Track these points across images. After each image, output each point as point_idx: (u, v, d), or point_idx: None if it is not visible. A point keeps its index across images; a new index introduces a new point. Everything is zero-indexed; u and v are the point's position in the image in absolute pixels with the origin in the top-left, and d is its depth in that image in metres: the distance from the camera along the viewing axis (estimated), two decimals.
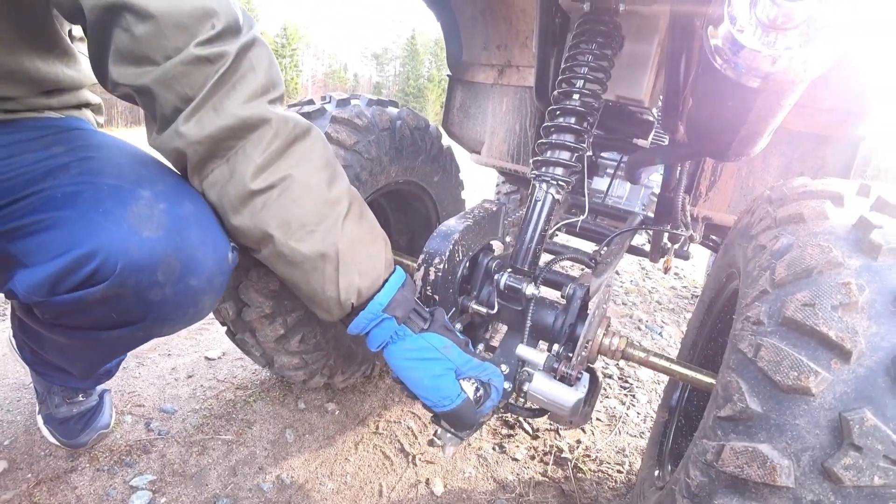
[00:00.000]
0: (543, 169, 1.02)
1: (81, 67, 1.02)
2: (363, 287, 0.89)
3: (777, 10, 0.75)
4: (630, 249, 1.91)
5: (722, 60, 0.82)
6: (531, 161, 1.06)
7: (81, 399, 1.29)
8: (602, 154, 1.90)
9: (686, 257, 1.84)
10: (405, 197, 1.57)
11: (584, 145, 1.03)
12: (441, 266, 1.03)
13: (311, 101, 1.38)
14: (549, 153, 1.02)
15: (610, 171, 1.91)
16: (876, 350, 0.59)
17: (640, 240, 3.15)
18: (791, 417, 0.60)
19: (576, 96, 1.03)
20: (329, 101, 1.35)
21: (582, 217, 1.60)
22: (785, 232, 0.77)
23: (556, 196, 1.03)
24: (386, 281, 0.93)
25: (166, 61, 0.71)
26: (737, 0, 0.81)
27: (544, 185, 1.02)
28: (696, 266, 3.70)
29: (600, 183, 1.92)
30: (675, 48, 1.19)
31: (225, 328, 1.36)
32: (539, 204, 1.03)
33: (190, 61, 0.71)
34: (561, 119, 1.03)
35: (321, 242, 0.83)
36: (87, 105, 1.07)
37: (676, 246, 1.73)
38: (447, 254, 1.03)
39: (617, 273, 3.23)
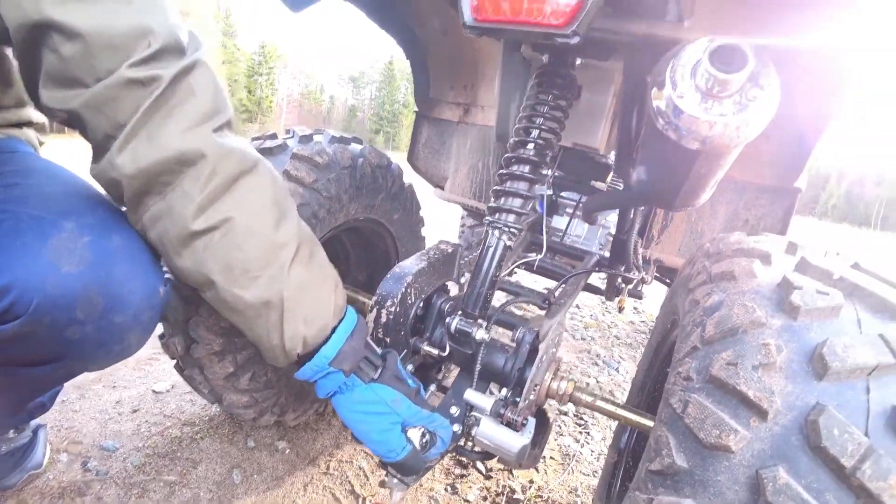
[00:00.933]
0: (497, 216, 1.05)
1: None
2: (309, 336, 0.86)
3: (713, 79, 0.80)
4: (587, 287, 1.96)
5: (664, 122, 0.87)
6: (486, 207, 1.09)
7: (12, 436, 1.23)
8: (562, 193, 1.96)
9: (640, 297, 1.89)
10: (365, 233, 1.57)
11: (536, 194, 1.06)
12: (393, 309, 1.04)
13: (273, 136, 1.38)
14: (502, 200, 1.05)
15: (569, 210, 1.96)
16: (791, 409, 0.63)
17: (598, 276, 3.22)
18: (713, 474, 0.62)
19: (530, 145, 1.07)
20: (292, 136, 1.37)
21: (539, 256, 1.64)
22: (717, 289, 0.81)
23: (508, 243, 1.05)
24: (335, 329, 0.90)
25: (97, 83, 0.66)
26: (678, 67, 0.86)
27: (496, 232, 1.04)
28: (656, 301, 3.79)
29: (560, 221, 1.97)
30: (627, 101, 1.25)
31: (174, 362, 1.33)
32: (491, 250, 1.05)
33: (121, 84, 0.67)
34: (515, 167, 1.06)
35: (265, 289, 0.80)
36: (28, 123, 1.04)
37: (630, 286, 1.78)
38: (399, 296, 1.04)
39: (577, 307, 3.29)
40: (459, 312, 1.10)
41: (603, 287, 1.97)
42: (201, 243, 0.76)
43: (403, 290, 1.06)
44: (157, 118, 0.70)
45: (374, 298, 1.06)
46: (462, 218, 2.86)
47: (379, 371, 0.93)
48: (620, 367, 2.55)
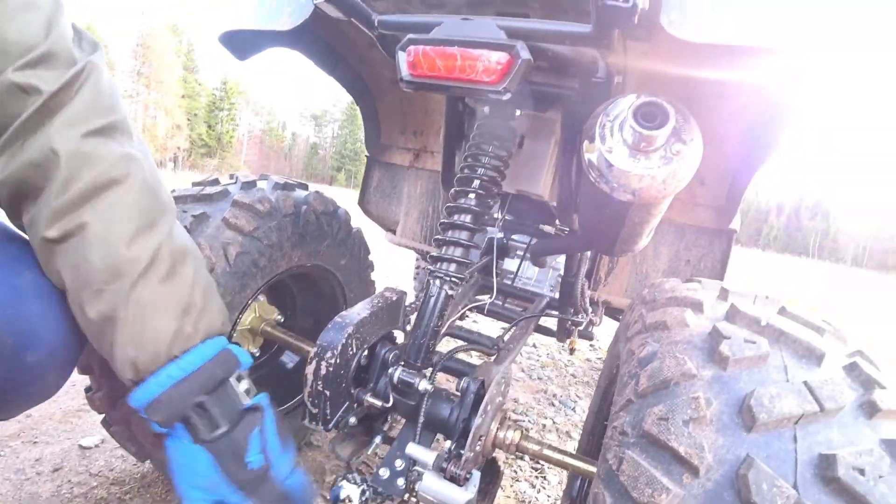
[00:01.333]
0: (438, 265, 1.05)
1: None
2: (140, 362, 0.76)
3: (639, 135, 0.83)
4: (539, 329, 1.96)
5: (596, 175, 0.89)
6: (428, 256, 1.09)
7: None
8: (513, 236, 1.98)
9: (590, 338, 1.91)
10: (312, 279, 1.54)
11: (479, 243, 1.07)
12: (333, 360, 1.00)
13: (215, 181, 1.36)
14: (443, 250, 1.05)
15: (520, 252, 1.98)
16: (722, 463, 0.63)
17: (549, 318, 3.25)
18: None
19: (471, 195, 1.08)
20: (235, 182, 1.34)
21: (490, 299, 1.64)
22: (651, 339, 0.82)
23: (450, 292, 1.05)
24: (174, 359, 0.78)
25: None
26: (606, 122, 0.89)
27: (438, 282, 1.04)
28: (611, 337, 3.85)
29: (511, 264, 1.99)
30: (566, 150, 1.29)
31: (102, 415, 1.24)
32: (432, 300, 1.04)
33: (5, 87, 0.66)
34: (456, 217, 1.06)
35: (106, 304, 0.73)
36: None
37: (581, 327, 1.80)
38: (339, 347, 1.01)
39: (534, 346, 3.30)
40: (402, 363, 1.08)
41: (555, 328, 1.98)
42: (58, 251, 0.72)
43: (344, 340, 1.03)
44: (39, 123, 0.69)
45: (314, 349, 1.03)
46: (416, 260, 2.85)
47: (217, 433, 0.81)
48: (577, 406, 2.54)
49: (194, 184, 1.36)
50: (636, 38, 1.07)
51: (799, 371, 0.73)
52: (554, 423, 2.34)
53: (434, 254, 1.06)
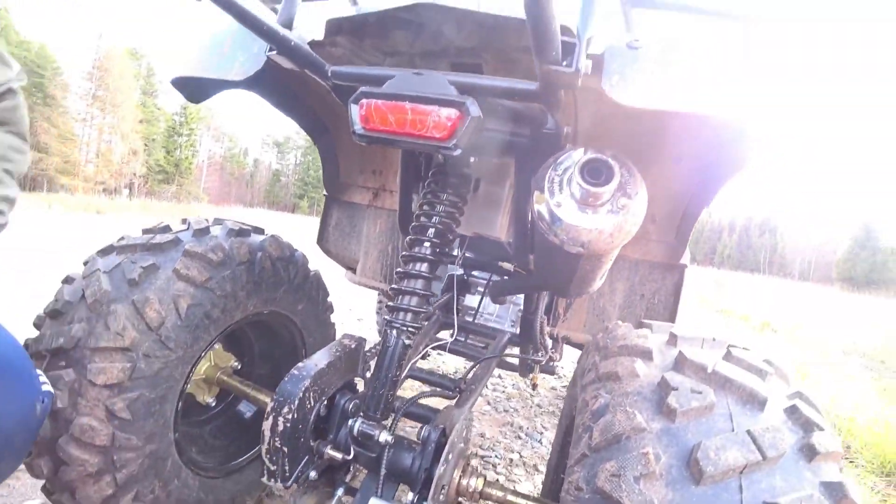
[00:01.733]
0: (395, 315, 1.05)
1: None
2: None
3: (586, 191, 0.86)
4: (502, 364, 1.97)
5: (546, 228, 0.92)
6: (385, 305, 1.08)
7: None
8: (473, 272, 2.00)
9: (552, 372, 1.93)
10: (268, 325, 1.51)
11: (432, 293, 1.07)
12: (290, 416, 0.98)
13: (166, 228, 1.32)
14: (399, 300, 1.05)
15: (481, 289, 2.00)
16: None
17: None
18: None
19: (426, 244, 1.09)
20: (187, 229, 1.31)
21: (451, 338, 1.64)
22: (603, 390, 0.84)
23: (407, 342, 1.04)
24: None
25: None
26: (555, 176, 0.92)
27: (395, 332, 1.03)
28: (575, 365, 3.88)
29: (472, 300, 2.00)
30: (521, 194, 1.31)
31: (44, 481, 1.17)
32: (390, 350, 1.04)
33: None
34: (411, 266, 1.07)
35: None
36: None
37: (542, 363, 1.81)
38: (296, 402, 0.99)
39: (500, 377, 3.30)
40: (362, 413, 1.06)
41: (517, 363, 1.99)
42: None
43: (301, 394, 1.01)
44: None
45: (271, 404, 1.01)
46: (379, 294, 2.83)
47: None
48: (543, 438, 2.55)
49: (144, 231, 1.32)
50: (585, 90, 1.12)
51: (743, 419, 0.76)
52: (521, 456, 2.33)
53: (390, 304, 1.06)
